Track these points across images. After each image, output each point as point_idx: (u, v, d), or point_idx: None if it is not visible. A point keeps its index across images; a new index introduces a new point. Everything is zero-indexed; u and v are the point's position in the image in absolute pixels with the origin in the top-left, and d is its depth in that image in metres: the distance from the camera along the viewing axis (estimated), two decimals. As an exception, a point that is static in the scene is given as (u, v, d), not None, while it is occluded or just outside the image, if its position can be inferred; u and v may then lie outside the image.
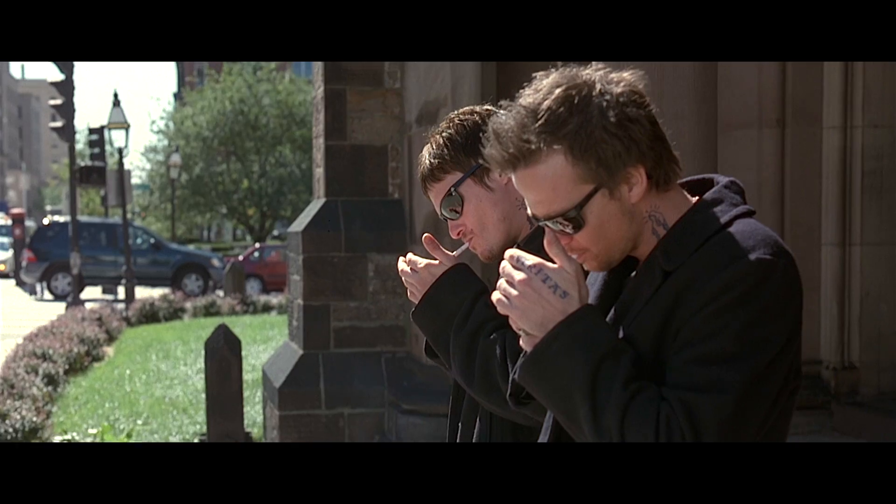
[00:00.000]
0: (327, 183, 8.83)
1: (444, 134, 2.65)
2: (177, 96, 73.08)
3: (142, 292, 26.23)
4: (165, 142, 49.64)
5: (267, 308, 22.21)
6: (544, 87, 1.98)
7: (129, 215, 29.60)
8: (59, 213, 65.64)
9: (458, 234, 2.65)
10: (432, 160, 2.63)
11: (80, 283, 24.66)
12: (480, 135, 2.40)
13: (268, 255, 34.16)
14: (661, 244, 2.02)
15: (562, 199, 1.98)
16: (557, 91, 1.96)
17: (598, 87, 1.96)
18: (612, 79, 1.99)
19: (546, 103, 1.96)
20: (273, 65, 48.62)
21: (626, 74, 2.00)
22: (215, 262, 32.84)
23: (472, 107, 2.70)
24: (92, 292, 30.12)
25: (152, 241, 33.30)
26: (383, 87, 8.77)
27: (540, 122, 1.95)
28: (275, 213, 48.02)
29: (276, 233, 54.14)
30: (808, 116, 7.43)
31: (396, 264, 2.69)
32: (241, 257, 34.37)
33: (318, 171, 9.23)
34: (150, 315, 21.39)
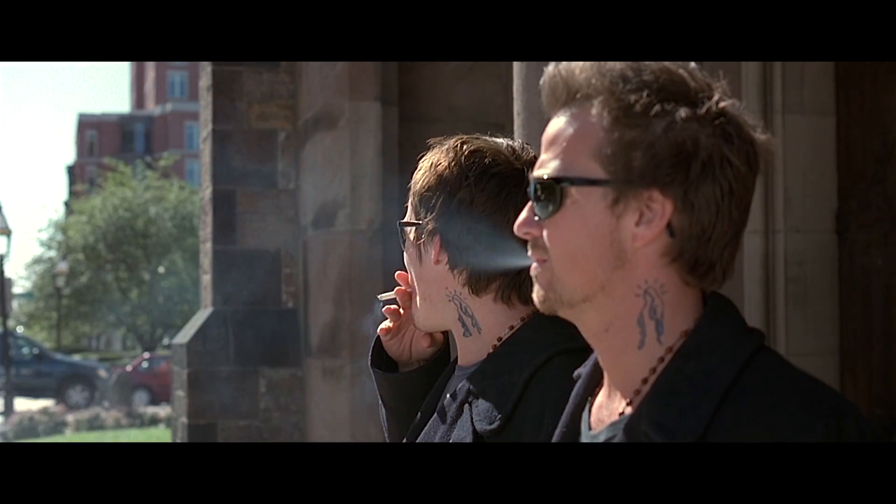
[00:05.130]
0: (215, 291, 8.23)
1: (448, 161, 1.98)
2: (66, 205, 71.92)
3: (25, 404, 25.42)
4: (51, 252, 48.46)
5: (154, 421, 21.76)
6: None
7: (12, 324, 28.60)
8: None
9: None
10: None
11: (-44, 396, 23.68)
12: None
13: (157, 365, 33.24)
14: (646, 401, 1.36)
15: (563, 160, 1.38)
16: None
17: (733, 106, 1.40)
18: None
19: (661, 79, 1.38)
20: (157, 173, 47.84)
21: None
22: (102, 373, 32.08)
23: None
24: (-30, 405, 28.93)
25: (36, 351, 32.42)
26: (276, 189, 8.22)
27: (637, 82, 1.36)
28: (165, 323, 46.95)
29: (166, 342, 53.02)
30: (728, 220, 7.10)
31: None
32: (129, 367, 33.49)
33: (206, 279, 8.62)
34: (28, 430, 20.54)
